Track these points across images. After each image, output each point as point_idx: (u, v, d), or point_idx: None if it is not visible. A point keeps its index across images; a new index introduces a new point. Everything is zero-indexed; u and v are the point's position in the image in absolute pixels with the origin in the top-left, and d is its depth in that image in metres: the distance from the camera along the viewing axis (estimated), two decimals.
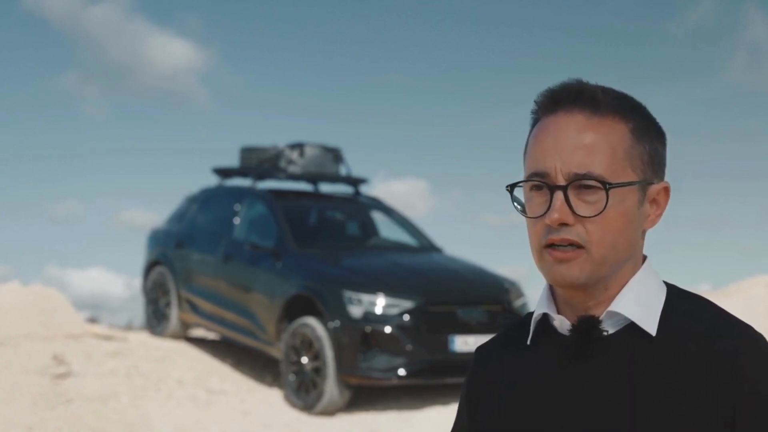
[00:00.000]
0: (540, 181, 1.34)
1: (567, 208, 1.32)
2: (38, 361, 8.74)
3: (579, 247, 1.33)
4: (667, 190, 1.40)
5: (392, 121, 19.10)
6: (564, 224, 1.32)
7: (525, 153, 1.40)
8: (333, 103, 19.70)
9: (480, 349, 1.55)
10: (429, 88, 19.61)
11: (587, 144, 1.33)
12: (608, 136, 1.34)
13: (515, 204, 1.39)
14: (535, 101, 1.40)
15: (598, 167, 1.32)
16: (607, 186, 1.31)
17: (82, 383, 8.41)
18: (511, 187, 1.39)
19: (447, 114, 19.43)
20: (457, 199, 19.41)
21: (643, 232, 1.40)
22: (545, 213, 1.33)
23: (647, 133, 1.37)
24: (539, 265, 1.37)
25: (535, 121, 1.40)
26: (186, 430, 7.87)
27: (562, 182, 1.32)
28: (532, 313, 1.47)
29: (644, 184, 1.36)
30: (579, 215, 1.32)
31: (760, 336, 1.35)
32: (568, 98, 1.36)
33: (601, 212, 1.31)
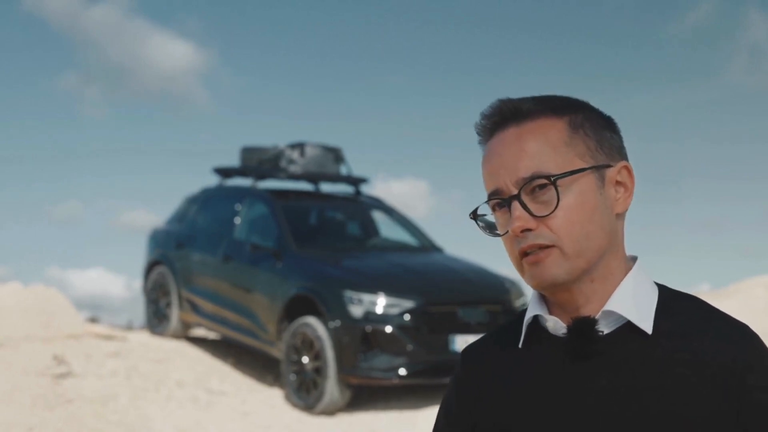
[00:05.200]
0: (497, 199, 1.37)
1: (525, 214, 1.33)
2: (38, 362, 8.73)
3: (549, 246, 1.33)
4: (628, 169, 1.40)
5: (392, 121, 19.11)
6: (528, 230, 1.34)
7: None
8: (333, 103, 19.70)
9: (468, 350, 1.53)
10: (429, 88, 19.62)
11: (526, 149, 1.35)
12: (544, 136, 1.35)
13: (480, 228, 1.42)
14: (476, 132, 1.43)
15: (543, 166, 1.34)
16: (552, 179, 1.32)
17: (82, 384, 8.40)
18: (473, 215, 1.42)
19: (447, 114, 19.42)
20: (457, 200, 19.41)
21: (620, 216, 1.40)
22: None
23: (586, 121, 1.38)
24: (522, 277, 1.39)
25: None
26: (186, 431, 7.86)
27: (514, 191, 1.34)
28: (522, 315, 1.47)
29: (599, 168, 1.36)
30: (538, 217, 1.33)
31: (756, 334, 1.36)
32: (498, 118, 1.39)
33: (556, 206, 1.32)
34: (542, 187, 1.33)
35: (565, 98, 1.41)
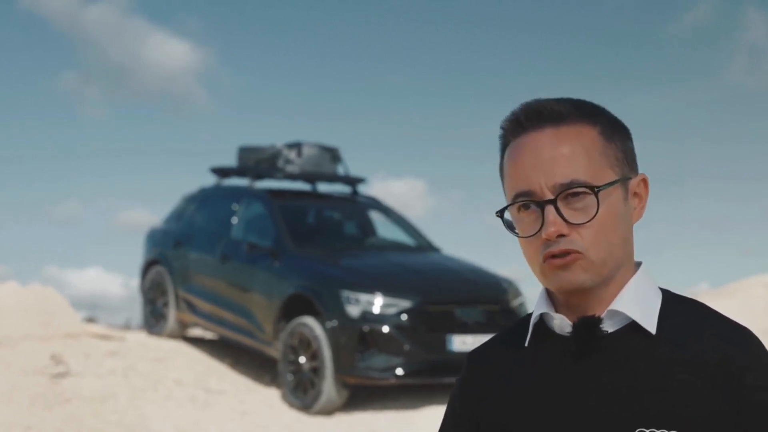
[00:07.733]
0: (528, 200, 1.36)
1: (561, 220, 1.34)
2: (36, 361, 8.73)
3: (576, 252, 1.34)
4: (645, 181, 1.43)
5: (390, 121, 19.11)
6: (561, 235, 1.34)
7: (502, 176, 1.43)
8: (332, 103, 19.70)
9: (474, 353, 1.55)
10: (428, 88, 19.62)
11: (564, 154, 1.35)
12: (581, 142, 1.36)
13: (507, 228, 1.41)
14: (501, 127, 1.43)
15: (580, 174, 1.34)
16: (595, 189, 1.34)
17: (80, 383, 8.41)
18: (500, 213, 1.41)
19: (445, 114, 19.44)
20: (456, 200, 19.43)
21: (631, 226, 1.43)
22: (539, 230, 1.35)
23: (614, 131, 1.40)
24: (543, 280, 1.39)
25: (505, 146, 1.43)
26: (185, 430, 7.86)
27: (549, 196, 1.35)
28: (528, 316, 1.48)
29: (624, 180, 1.39)
30: (573, 224, 1.34)
31: (754, 336, 1.37)
32: (533, 117, 1.39)
33: (594, 216, 1.33)
34: (576, 195, 1.34)
35: (593, 104, 1.43)
